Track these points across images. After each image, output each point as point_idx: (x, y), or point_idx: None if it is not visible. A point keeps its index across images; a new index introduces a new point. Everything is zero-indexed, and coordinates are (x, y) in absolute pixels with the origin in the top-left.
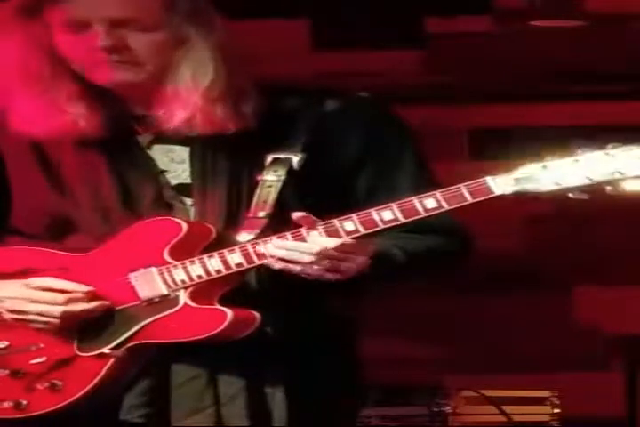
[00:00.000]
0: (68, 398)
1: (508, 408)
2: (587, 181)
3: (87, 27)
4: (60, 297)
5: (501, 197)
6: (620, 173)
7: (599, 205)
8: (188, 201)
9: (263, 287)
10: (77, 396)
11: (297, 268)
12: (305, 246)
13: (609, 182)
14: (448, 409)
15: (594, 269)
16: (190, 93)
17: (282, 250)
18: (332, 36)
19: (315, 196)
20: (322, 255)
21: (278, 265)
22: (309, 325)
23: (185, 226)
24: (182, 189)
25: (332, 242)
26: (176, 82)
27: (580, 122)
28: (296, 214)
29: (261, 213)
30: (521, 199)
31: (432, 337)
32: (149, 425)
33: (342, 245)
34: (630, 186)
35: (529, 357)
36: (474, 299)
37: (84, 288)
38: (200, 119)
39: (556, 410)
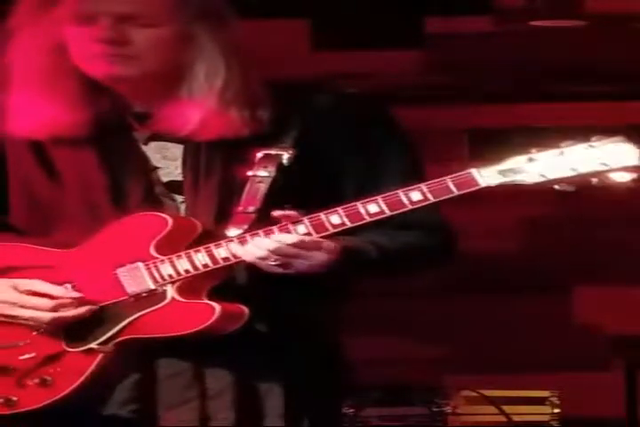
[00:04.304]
0: (58, 394)
1: (507, 408)
2: (572, 173)
3: (93, 20)
4: (49, 303)
5: (502, 198)
6: (604, 164)
7: (599, 205)
8: (179, 198)
9: (252, 282)
10: (67, 391)
11: (251, 259)
12: (262, 242)
13: (594, 174)
14: (448, 409)
15: (594, 269)
16: (205, 95)
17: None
18: (332, 37)
19: (305, 192)
20: (276, 252)
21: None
22: (296, 321)
23: (170, 221)
24: (173, 186)
25: (289, 238)
26: (189, 83)
27: (580, 122)
28: (276, 213)
29: (251, 209)
30: (519, 200)
31: (432, 337)
32: (139, 420)
33: (300, 242)
34: (615, 178)
35: (529, 357)
36: (474, 299)
37: (74, 294)
38: (215, 123)
39: (556, 410)
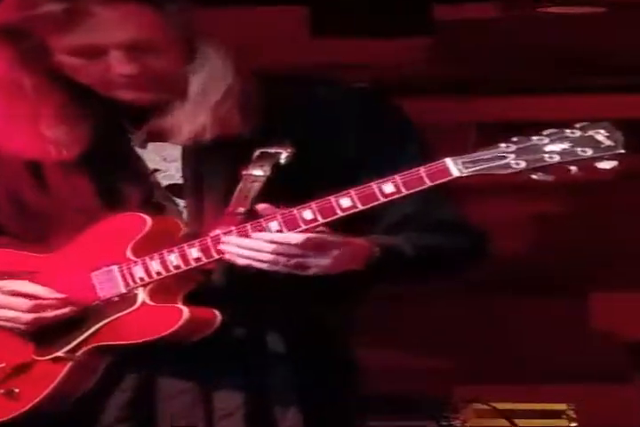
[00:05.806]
0: (24, 406)
1: (521, 422)
2: (549, 162)
3: (102, 52)
4: (29, 304)
5: (517, 199)
6: (585, 152)
7: (615, 207)
8: (181, 202)
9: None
10: (32, 403)
11: (260, 265)
12: (256, 244)
13: (573, 162)
14: (457, 423)
15: (610, 273)
16: (201, 106)
17: (234, 247)
18: (332, 24)
19: (303, 192)
20: (279, 252)
21: (241, 262)
22: (301, 331)
23: (149, 221)
24: (174, 190)
25: (295, 238)
26: (188, 95)
27: (596, 115)
28: (260, 206)
29: (240, 209)
30: (536, 200)
31: (440, 346)
32: None
33: (306, 240)
34: (597, 166)
35: (543, 367)
36: (485, 306)
37: (57, 295)
38: (212, 129)
39: (573, 424)
